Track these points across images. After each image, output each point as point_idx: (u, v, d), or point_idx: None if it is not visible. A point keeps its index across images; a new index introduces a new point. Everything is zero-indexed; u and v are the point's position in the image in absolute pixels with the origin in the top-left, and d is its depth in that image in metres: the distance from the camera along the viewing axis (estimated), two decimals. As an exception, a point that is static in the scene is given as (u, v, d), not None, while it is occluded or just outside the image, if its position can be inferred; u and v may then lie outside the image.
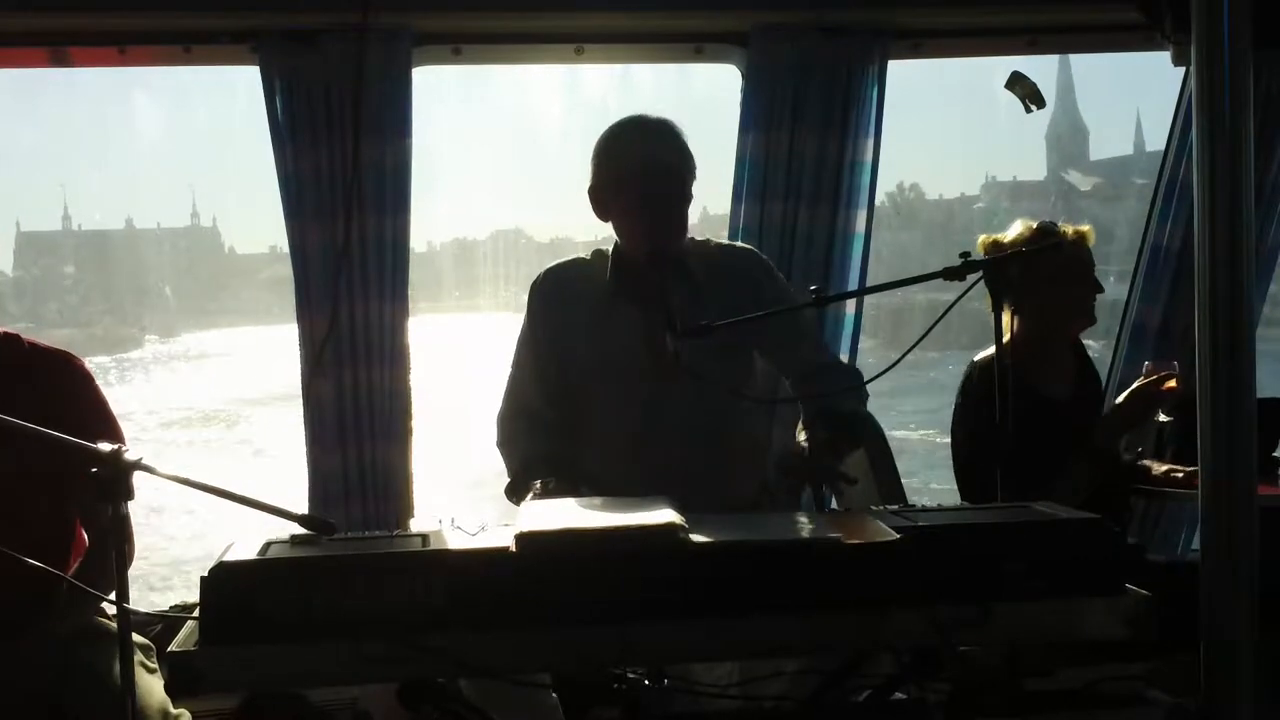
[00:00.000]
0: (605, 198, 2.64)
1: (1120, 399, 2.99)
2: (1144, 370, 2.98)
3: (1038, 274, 2.85)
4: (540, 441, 2.65)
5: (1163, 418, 2.92)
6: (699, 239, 2.76)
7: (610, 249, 2.71)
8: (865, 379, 2.71)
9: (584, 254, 2.78)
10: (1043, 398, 2.96)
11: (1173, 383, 2.89)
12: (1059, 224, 3.01)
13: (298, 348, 3.47)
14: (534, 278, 2.80)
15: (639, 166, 2.58)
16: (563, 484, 2.35)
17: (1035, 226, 2.97)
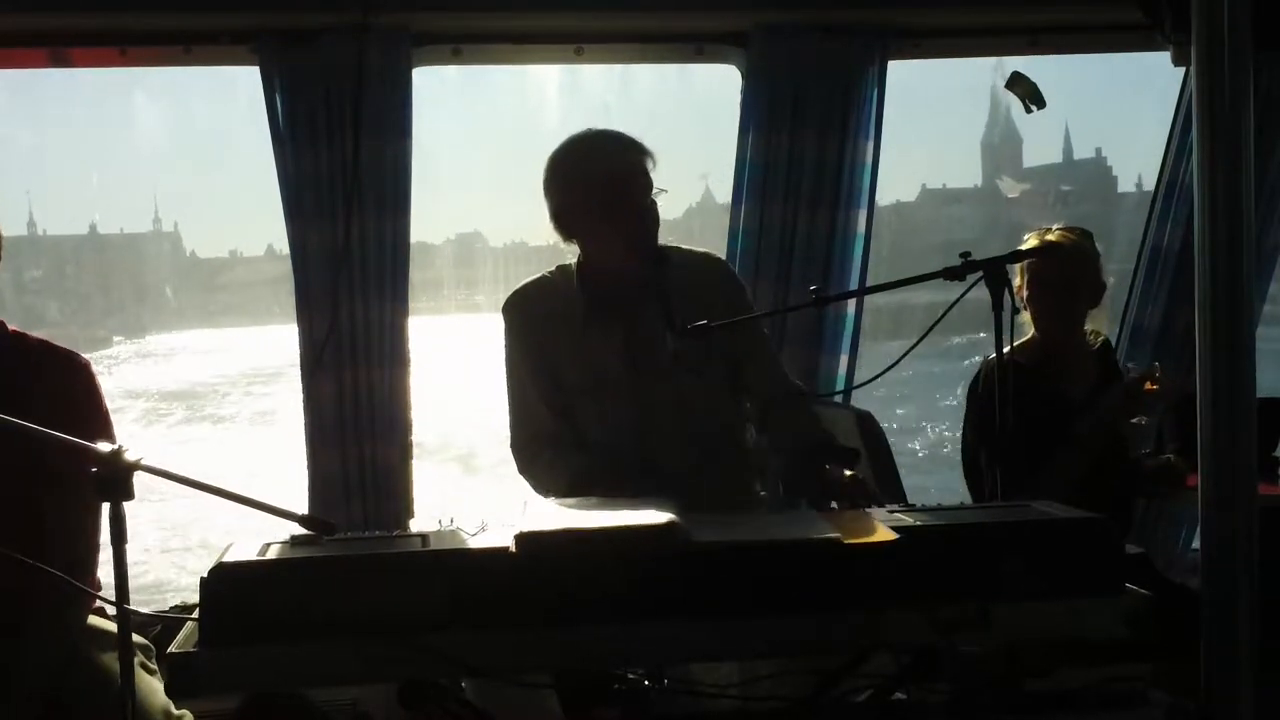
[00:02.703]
0: (573, 217, 2.59)
1: (1104, 399, 3.00)
2: (1127, 370, 3.00)
3: (1025, 284, 2.99)
4: (577, 459, 2.60)
5: (1144, 420, 2.92)
6: (663, 245, 2.68)
7: (573, 264, 2.66)
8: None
9: (547, 271, 2.72)
10: (1058, 397, 2.98)
11: (1152, 385, 2.89)
12: (1041, 231, 3.04)
13: (298, 348, 3.47)
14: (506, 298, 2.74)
15: (613, 179, 2.53)
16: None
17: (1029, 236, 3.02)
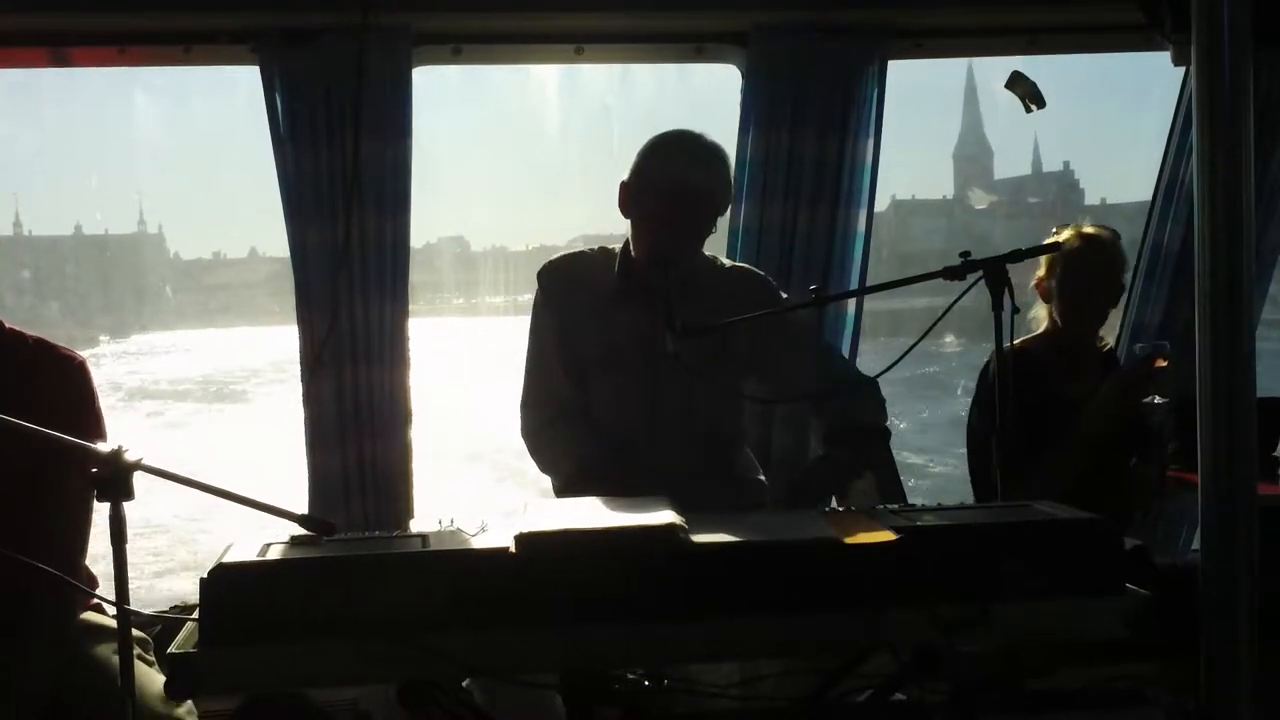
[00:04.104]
0: (629, 199, 2.65)
1: (1109, 381, 3.00)
2: (1135, 351, 2.98)
3: (1054, 275, 2.95)
4: (585, 444, 2.65)
5: (1158, 400, 2.90)
6: (709, 255, 2.76)
7: (618, 248, 2.73)
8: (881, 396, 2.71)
9: (589, 248, 2.80)
10: (1059, 397, 2.97)
11: (1162, 362, 2.88)
12: (1077, 225, 3.04)
13: (298, 348, 3.47)
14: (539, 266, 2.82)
15: (665, 184, 2.58)
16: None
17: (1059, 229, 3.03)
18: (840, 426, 2.59)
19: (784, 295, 2.87)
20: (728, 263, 2.83)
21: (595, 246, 2.79)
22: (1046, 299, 3.07)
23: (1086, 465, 2.90)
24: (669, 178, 2.58)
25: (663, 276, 2.55)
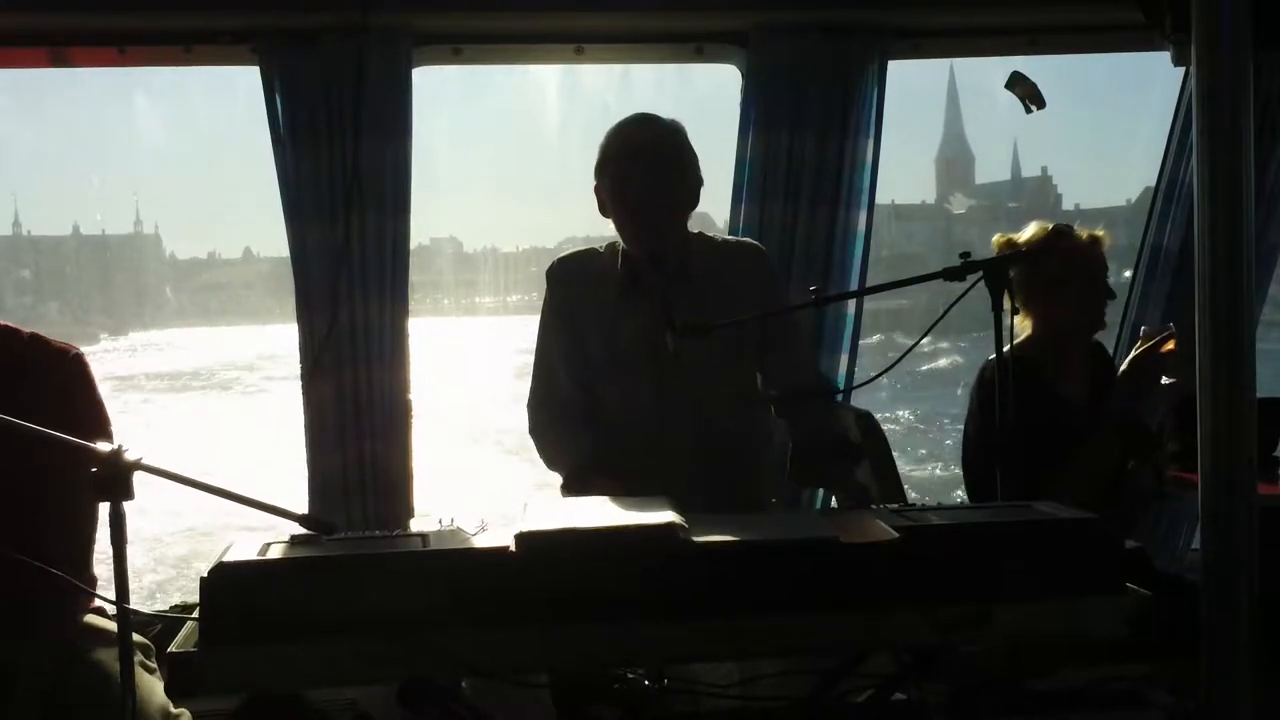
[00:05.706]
0: (601, 193, 2.66)
1: (1123, 368, 2.98)
2: (1140, 334, 2.96)
3: (1046, 276, 2.91)
4: (588, 438, 2.65)
5: (1165, 380, 2.90)
6: (705, 234, 2.76)
7: (621, 245, 2.73)
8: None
9: (598, 246, 2.79)
10: (1058, 398, 2.96)
11: (1170, 344, 2.87)
12: (1073, 226, 3.02)
13: (298, 348, 3.47)
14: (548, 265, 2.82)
15: (618, 150, 2.60)
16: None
17: (1049, 229, 2.98)
18: (821, 436, 2.60)
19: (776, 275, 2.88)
20: (723, 239, 2.82)
21: (605, 244, 2.77)
22: (1035, 303, 3.03)
23: (1111, 466, 2.89)
24: (619, 143, 2.61)
25: (660, 274, 2.55)
